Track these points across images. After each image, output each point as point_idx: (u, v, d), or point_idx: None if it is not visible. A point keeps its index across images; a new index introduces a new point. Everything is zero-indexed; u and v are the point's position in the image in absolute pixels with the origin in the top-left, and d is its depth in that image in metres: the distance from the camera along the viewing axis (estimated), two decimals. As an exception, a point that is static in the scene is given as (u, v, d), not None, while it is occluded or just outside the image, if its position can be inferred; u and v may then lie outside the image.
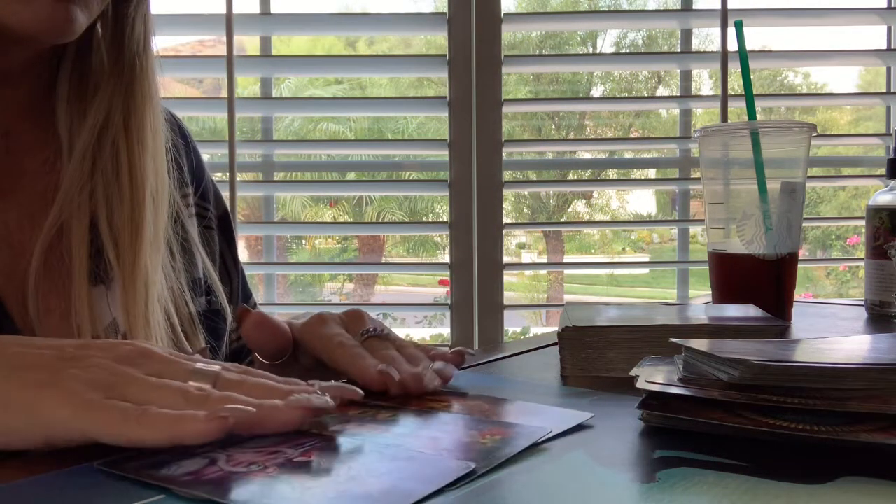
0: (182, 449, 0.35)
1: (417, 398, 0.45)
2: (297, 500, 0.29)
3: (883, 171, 1.39)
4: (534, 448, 0.36)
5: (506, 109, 1.37)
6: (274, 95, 1.55)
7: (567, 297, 6.65)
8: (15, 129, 0.56)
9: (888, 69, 1.52)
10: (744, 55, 0.75)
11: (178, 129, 0.66)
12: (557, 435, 0.38)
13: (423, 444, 0.37)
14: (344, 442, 0.37)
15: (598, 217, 7.02)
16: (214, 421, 0.35)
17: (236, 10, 1.33)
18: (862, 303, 0.83)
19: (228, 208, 0.71)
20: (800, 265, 0.74)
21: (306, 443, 0.36)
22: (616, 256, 6.82)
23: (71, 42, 0.53)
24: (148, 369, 0.38)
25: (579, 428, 0.39)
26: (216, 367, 0.40)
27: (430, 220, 7.62)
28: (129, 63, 0.56)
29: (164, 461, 0.34)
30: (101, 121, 0.55)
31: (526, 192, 6.01)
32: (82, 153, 0.54)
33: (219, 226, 0.69)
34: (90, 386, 0.36)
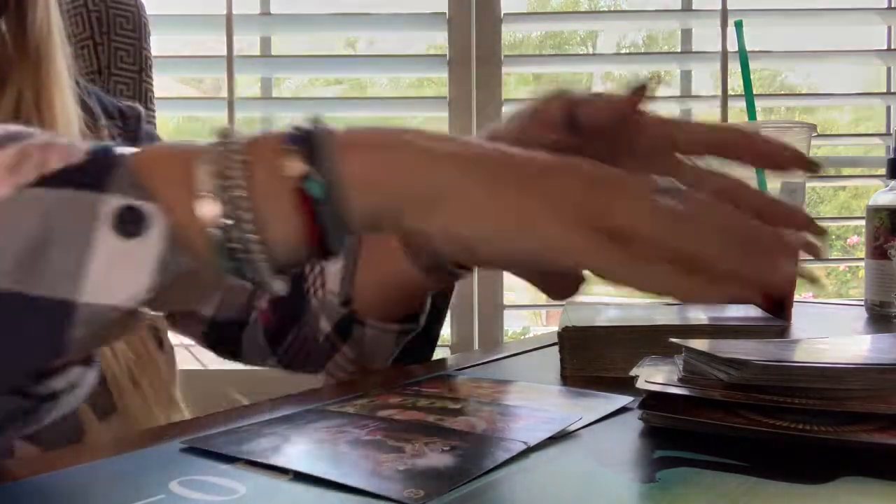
0: (258, 427, 0.39)
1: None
2: (371, 470, 0.33)
3: (883, 171, 1.39)
4: (534, 448, 0.36)
5: (506, 109, 1.37)
6: (274, 95, 1.55)
7: (567, 297, 6.65)
8: None
9: (888, 69, 1.52)
10: (744, 55, 0.75)
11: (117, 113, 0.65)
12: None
13: (479, 426, 0.39)
14: (404, 424, 0.40)
15: (598, 217, 7.00)
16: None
17: (236, 10, 1.32)
18: (862, 303, 0.83)
19: None
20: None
21: (370, 424, 0.40)
22: (616, 256, 6.81)
23: None
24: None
25: (579, 428, 0.39)
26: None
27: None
28: (35, 47, 0.56)
29: (244, 438, 0.37)
30: (14, 104, 0.54)
31: (526, 192, 5.99)
32: None
33: None
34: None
